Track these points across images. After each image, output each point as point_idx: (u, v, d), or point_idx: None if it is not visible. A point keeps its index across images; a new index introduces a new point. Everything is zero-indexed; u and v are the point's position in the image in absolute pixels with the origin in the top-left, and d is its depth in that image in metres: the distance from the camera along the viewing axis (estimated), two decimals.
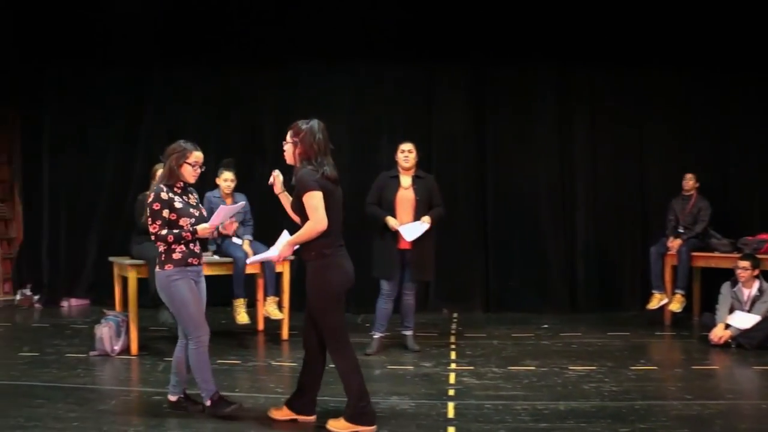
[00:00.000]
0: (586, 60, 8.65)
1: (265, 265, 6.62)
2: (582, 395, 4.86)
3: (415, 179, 6.22)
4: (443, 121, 8.86)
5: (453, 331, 7.36)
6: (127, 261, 6.40)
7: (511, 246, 8.77)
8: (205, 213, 4.46)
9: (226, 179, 6.71)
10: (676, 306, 7.50)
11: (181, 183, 4.36)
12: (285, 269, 6.88)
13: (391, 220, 6.05)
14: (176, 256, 4.25)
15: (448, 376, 5.41)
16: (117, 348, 6.15)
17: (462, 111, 8.89)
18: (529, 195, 8.79)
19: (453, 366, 5.76)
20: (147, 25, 9.06)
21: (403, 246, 6.09)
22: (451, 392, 4.96)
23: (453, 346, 6.55)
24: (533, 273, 8.69)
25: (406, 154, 6.20)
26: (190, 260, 4.28)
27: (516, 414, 4.42)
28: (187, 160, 4.31)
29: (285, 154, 4.14)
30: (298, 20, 8.80)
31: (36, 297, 9.34)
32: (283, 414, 4.28)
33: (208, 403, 4.35)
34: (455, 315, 8.37)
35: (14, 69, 9.86)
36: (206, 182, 6.34)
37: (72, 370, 5.61)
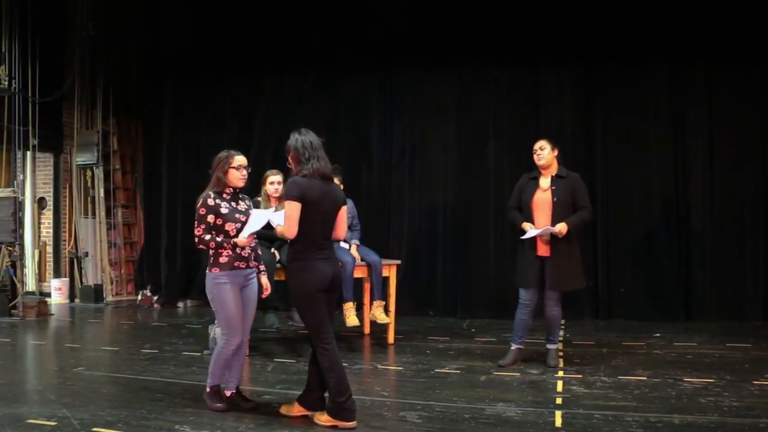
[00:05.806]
0: (703, 53, 8.26)
1: (372, 269, 6.70)
2: (699, 409, 4.62)
3: (555, 179, 5.74)
4: (550, 123, 8.65)
5: (561, 338, 7.17)
6: None
7: (622, 251, 8.49)
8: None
9: None
10: None
11: (230, 189, 4.58)
12: (392, 274, 6.94)
13: (526, 226, 5.68)
14: (223, 260, 4.49)
15: (555, 384, 5.28)
16: None
17: (570, 112, 8.69)
18: (641, 198, 8.49)
19: (560, 374, 5.62)
20: (257, 38, 9.42)
21: (541, 253, 5.69)
22: (559, 401, 4.84)
23: (560, 354, 6.39)
24: (645, 279, 8.38)
25: (538, 152, 5.75)
26: (236, 264, 4.52)
27: (627, 426, 4.26)
28: (232, 165, 4.55)
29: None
30: (402, 25, 8.90)
31: (155, 297, 9.91)
32: (295, 410, 4.44)
33: (207, 390, 4.65)
34: (563, 321, 8.16)
35: (138, 86, 10.54)
36: None
37: (188, 368, 5.88)
